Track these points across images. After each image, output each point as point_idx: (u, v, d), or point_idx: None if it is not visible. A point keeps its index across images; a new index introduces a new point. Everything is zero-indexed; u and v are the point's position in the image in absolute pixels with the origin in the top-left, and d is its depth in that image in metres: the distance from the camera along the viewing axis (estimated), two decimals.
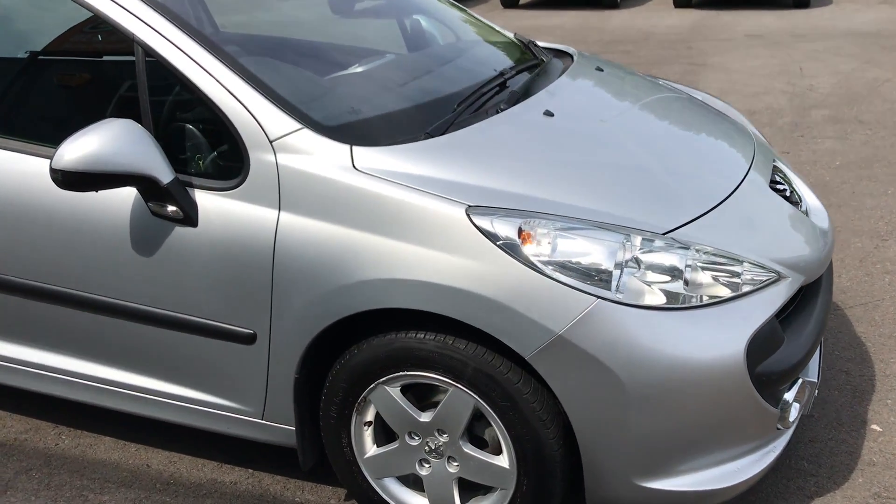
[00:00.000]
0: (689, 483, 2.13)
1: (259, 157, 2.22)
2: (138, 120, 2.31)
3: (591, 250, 2.06)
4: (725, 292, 2.12)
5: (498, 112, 2.48)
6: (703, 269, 2.12)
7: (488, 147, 2.32)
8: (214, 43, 2.32)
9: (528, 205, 2.13)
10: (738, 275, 2.15)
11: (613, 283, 2.02)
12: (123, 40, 2.35)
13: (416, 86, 2.64)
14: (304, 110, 2.27)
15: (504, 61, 2.96)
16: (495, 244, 2.05)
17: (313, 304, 2.19)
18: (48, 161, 2.37)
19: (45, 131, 2.58)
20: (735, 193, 2.39)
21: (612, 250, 2.06)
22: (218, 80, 2.25)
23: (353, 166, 2.17)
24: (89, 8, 2.37)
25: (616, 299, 2.01)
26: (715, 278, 2.13)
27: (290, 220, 2.19)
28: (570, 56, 3.21)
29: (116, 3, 2.35)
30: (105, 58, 2.72)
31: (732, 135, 2.82)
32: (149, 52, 2.31)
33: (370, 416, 2.33)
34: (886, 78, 7.23)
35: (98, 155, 2.15)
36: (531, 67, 2.91)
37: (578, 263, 2.04)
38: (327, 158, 2.19)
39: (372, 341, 2.21)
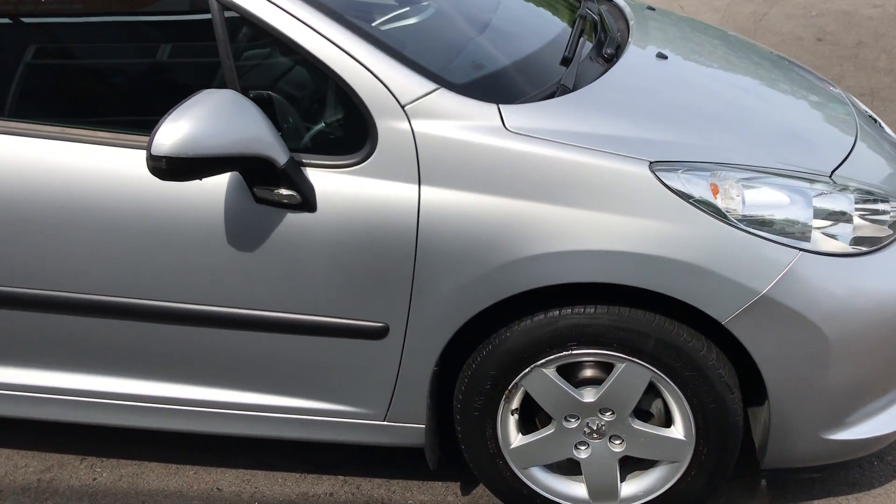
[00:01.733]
0: (867, 430, 2.08)
1: (389, 126, 1.92)
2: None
3: (781, 200, 1.93)
4: (886, 231, 2.06)
5: (612, 59, 2.29)
6: (863, 209, 2.05)
7: (631, 97, 2.13)
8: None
9: (700, 155, 1.97)
10: (888, 212, 2.10)
11: (813, 234, 1.91)
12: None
13: (515, 37, 2.38)
14: (433, 69, 1.98)
15: (562, 8, 2.73)
16: (688, 202, 1.87)
17: (466, 287, 1.94)
18: (110, 150, 1.97)
19: (101, 115, 2.14)
20: (858, 136, 2.32)
21: (805, 198, 1.94)
22: (331, 40, 1.91)
23: (505, 127, 1.92)
24: None
25: (815, 250, 1.90)
26: (873, 218, 2.06)
27: (434, 194, 1.91)
28: None
29: None
30: (170, 18, 2.26)
31: (808, 78, 2.76)
32: (231, 7, 1.93)
33: (517, 403, 2.12)
34: (764, 12, 7.53)
35: (207, 136, 1.78)
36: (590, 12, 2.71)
37: (772, 216, 1.91)
38: (473, 121, 1.92)
39: (527, 322, 1.99)
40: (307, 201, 1.93)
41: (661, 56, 2.34)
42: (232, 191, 1.96)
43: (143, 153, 1.93)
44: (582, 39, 2.36)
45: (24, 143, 2.04)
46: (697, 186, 1.89)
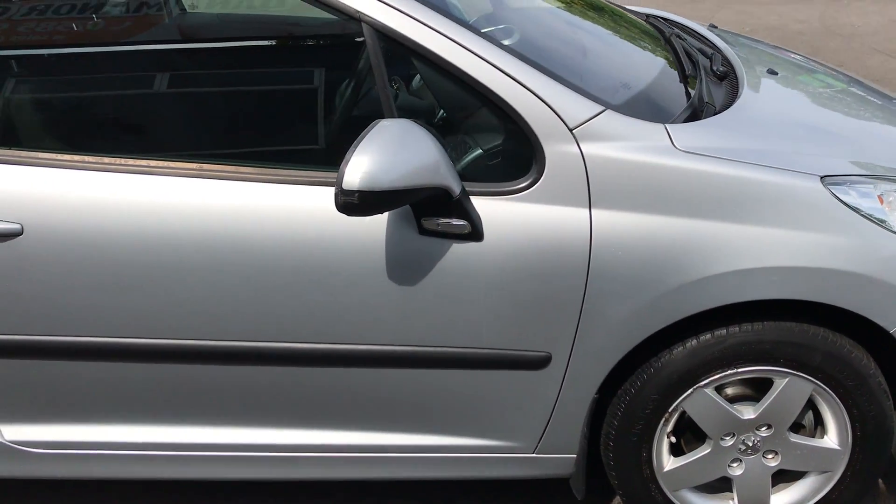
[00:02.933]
0: None
1: (557, 150, 1.87)
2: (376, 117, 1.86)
3: None
4: None
5: (725, 77, 2.31)
6: None
7: (774, 114, 2.16)
8: (470, 24, 1.92)
9: (860, 168, 2.01)
10: None
11: None
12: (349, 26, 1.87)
13: (625, 59, 2.37)
14: (593, 91, 1.94)
15: (634, 29, 2.74)
16: (859, 214, 1.90)
17: (638, 311, 1.91)
18: (258, 186, 1.86)
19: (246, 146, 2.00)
20: None
21: None
22: (496, 66, 1.85)
23: (674, 146, 1.90)
24: None
25: None
26: None
27: (605, 217, 1.87)
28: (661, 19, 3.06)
29: None
30: (320, 45, 2.14)
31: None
32: (388, 34, 1.85)
33: (671, 426, 2.09)
34: None
35: (394, 168, 1.70)
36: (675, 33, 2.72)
37: None
38: (643, 141, 1.90)
39: (692, 342, 1.98)
40: (476, 230, 1.86)
41: (772, 72, 2.38)
42: (393, 223, 1.87)
43: (295, 188, 1.85)
44: (697, 60, 2.38)
45: (159, 181, 1.89)
46: (866, 198, 1.92)
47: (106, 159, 1.91)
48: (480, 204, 1.88)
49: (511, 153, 1.91)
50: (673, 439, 2.11)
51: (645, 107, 2.02)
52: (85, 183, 1.88)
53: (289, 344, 1.95)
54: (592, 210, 1.87)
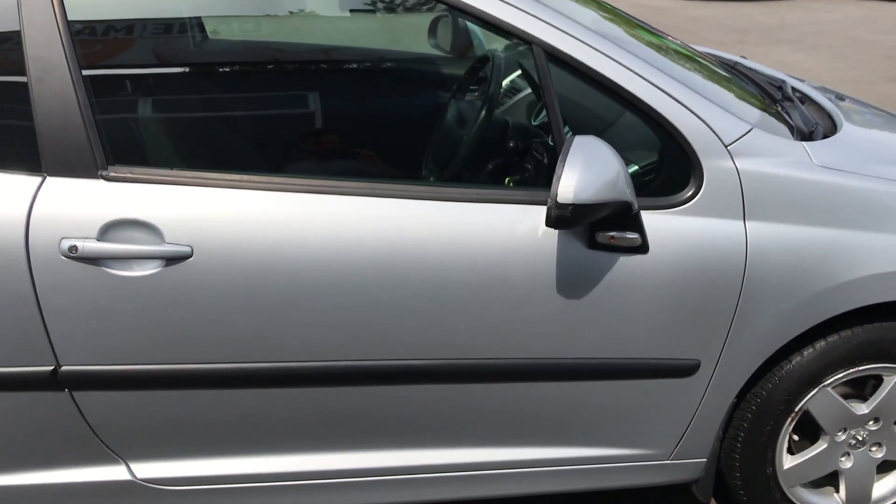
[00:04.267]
0: None
1: (715, 165, 1.97)
2: (552, 134, 1.92)
3: None
4: None
5: (804, 101, 2.50)
6: None
7: (873, 135, 2.35)
8: (623, 46, 2.00)
9: None
10: None
11: None
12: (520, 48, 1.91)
13: (729, 86, 2.50)
14: (736, 111, 2.06)
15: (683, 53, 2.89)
16: None
17: (783, 316, 2.03)
18: (432, 205, 1.87)
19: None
20: None
21: None
22: (656, 85, 1.94)
23: (812, 162, 2.05)
24: (479, 15, 1.88)
25: None
26: None
27: (758, 228, 1.99)
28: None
29: (512, 6, 1.90)
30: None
31: None
32: (557, 56, 1.91)
33: (793, 425, 2.22)
34: None
35: (596, 182, 1.75)
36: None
37: None
38: (787, 157, 2.03)
39: (821, 343, 2.12)
40: (644, 243, 1.93)
41: (840, 98, 2.58)
42: (563, 238, 1.91)
43: (468, 205, 1.87)
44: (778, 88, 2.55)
45: (330, 200, 1.85)
46: None
47: (275, 179, 1.86)
48: (646, 217, 1.95)
49: (669, 169, 2.00)
50: (796, 438, 2.23)
51: (779, 127, 2.16)
52: (254, 203, 1.82)
53: (457, 361, 1.95)
54: (747, 222, 1.98)
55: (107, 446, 1.95)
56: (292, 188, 1.85)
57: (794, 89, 2.63)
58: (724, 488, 2.37)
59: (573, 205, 1.72)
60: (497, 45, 3.22)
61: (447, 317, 1.90)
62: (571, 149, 1.76)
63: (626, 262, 1.94)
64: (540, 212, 1.91)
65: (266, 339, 1.86)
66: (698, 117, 1.96)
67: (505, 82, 2.77)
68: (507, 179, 2.30)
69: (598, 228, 1.90)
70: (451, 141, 2.37)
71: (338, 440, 2.01)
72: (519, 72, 2.78)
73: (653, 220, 1.95)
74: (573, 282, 1.93)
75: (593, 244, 1.91)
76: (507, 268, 1.90)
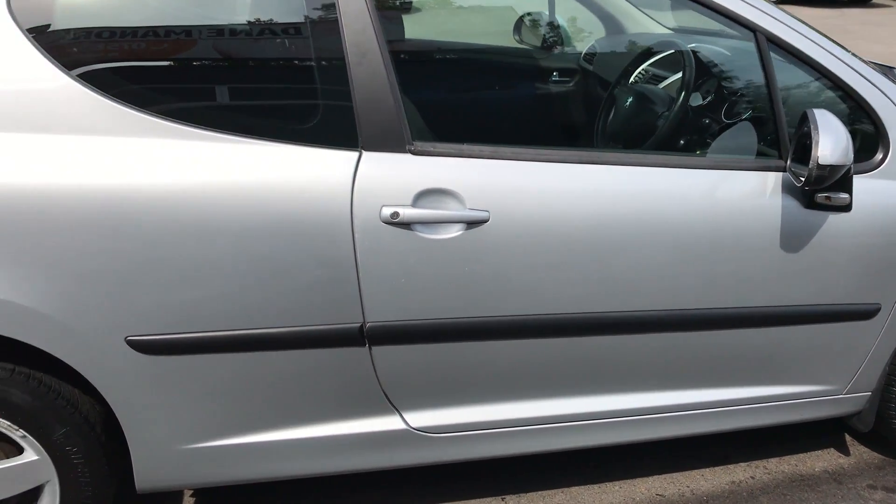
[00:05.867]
0: None
1: None
2: (769, 109, 2.22)
3: None
4: None
5: None
6: None
7: None
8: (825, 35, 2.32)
9: None
10: None
11: None
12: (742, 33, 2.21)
13: None
14: None
15: None
16: None
17: None
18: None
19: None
20: None
21: None
22: (853, 68, 2.27)
23: None
24: (714, 6, 2.17)
25: None
26: None
27: None
28: None
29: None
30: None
31: None
32: (774, 41, 2.21)
33: None
34: None
35: (844, 148, 2.06)
36: None
37: None
38: None
39: None
40: (850, 203, 2.24)
41: None
42: (785, 199, 2.21)
43: (708, 171, 2.15)
44: None
45: (603, 170, 2.10)
46: None
47: (563, 152, 2.09)
48: None
49: (865, 138, 2.32)
50: None
51: None
52: (539, 172, 2.05)
53: (695, 310, 2.22)
54: None
55: (388, 398, 2.14)
56: (572, 159, 2.08)
57: None
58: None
59: (831, 166, 2.02)
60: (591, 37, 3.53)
61: (688, 270, 2.17)
62: (818, 120, 2.06)
63: (833, 219, 2.25)
64: (765, 177, 2.20)
65: (543, 294, 2.09)
66: (885, 94, 2.29)
67: (642, 69, 3.06)
68: (697, 151, 2.58)
69: (818, 190, 2.20)
70: (646, 118, 2.65)
71: (587, 384, 2.26)
72: (651, 60, 3.08)
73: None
74: (791, 238, 2.22)
75: (811, 204, 2.21)
76: (738, 226, 2.18)
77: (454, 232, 2.00)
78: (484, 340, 2.12)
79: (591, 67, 3.44)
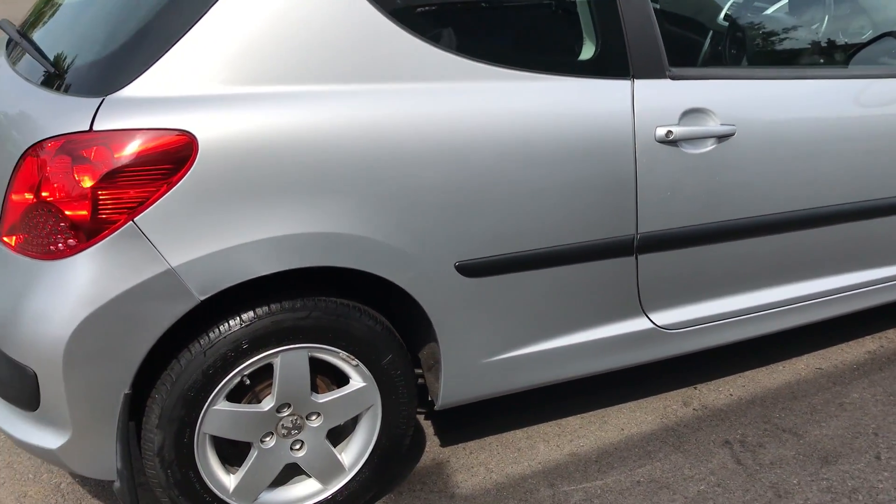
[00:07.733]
0: None
1: None
2: None
3: None
4: None
5: None
6: None
7: None
8: None
9: None
10: None
11: None
12: None
13: None
14: None
15: None
16: None
17: None
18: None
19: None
20: None
21: None
22: None
23: None
24: None
25: None
26: None
27: None
28: None
29: None
30: None
31: None
32: None
33: None
34: None
35: None
36: None
37: None
38: None
39: None
40: None
41: None
42: None
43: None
44: None
45: (812, 84, 2.44)
46: None
47: (792, 69, 2.44)
48: None
49: None
50: None
51: None
52: (776, 89, 2.36)
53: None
54: None
55: (640, 302, 2.42)
56: (796, 76, 2.41)
57: None
58: None
59: None
60: None
61: (853, 166, 2.54)
62: None
63: None
64: None
65: (777, 196, 2.41)
66: None
67: None
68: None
69: None
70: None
71: (796, 272, 2.61)
72: None
73: None
74: None
75: None
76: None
77: (708, 146, 2.28)
78: (726, 241, 2.42)
79: None
